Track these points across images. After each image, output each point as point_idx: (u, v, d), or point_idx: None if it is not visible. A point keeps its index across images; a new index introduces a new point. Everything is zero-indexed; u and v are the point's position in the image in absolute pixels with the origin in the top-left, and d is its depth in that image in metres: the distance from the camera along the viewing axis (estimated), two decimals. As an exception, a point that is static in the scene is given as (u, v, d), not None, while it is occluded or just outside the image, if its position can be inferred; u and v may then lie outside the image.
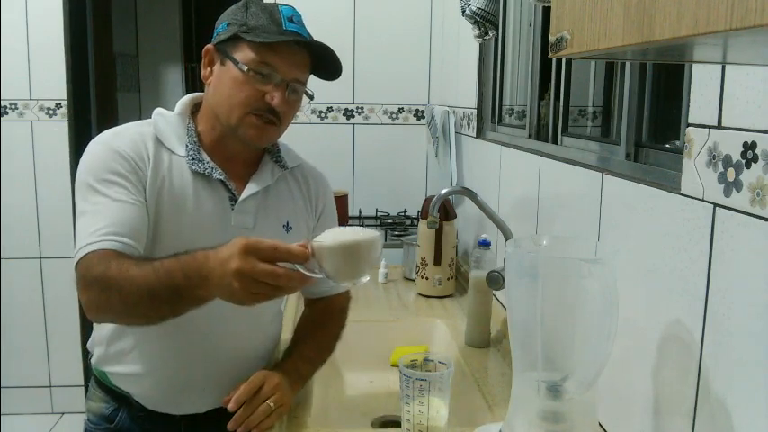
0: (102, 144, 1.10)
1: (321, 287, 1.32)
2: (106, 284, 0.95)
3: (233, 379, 1.24)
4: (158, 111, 1.18)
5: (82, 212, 1.06)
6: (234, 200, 1.15)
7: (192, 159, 1.12)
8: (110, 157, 1.07)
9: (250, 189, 1.17)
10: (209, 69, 1.15)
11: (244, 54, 1.09)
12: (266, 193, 1.19)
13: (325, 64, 1.15)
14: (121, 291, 0.94)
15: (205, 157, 1.14)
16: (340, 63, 1.15)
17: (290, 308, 1.72)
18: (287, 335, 1.52)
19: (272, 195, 1.21)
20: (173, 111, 1.19)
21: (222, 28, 1.13)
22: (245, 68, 1.08)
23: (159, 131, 1.13)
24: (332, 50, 1.12)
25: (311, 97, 1.17)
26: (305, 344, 1.27)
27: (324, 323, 1.33)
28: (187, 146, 1.14)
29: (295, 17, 1.12)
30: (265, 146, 1.21)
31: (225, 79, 1.11)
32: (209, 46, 1.14)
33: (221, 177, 1.14)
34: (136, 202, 1.07)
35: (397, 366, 1.51)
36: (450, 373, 1.02)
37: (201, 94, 1.20)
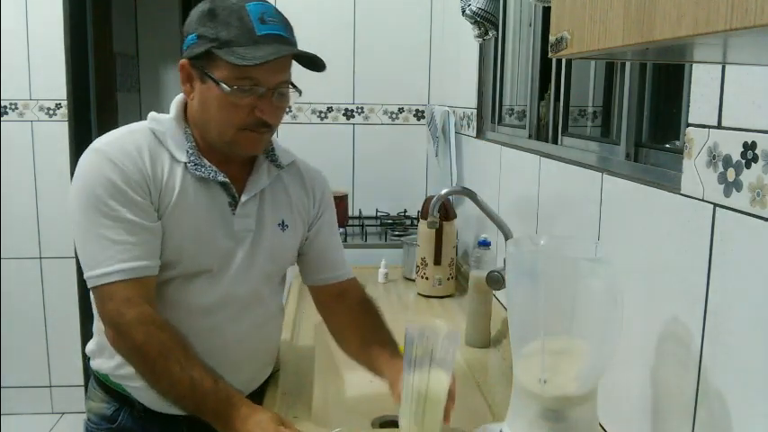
0: (99, 154, 1.08)
1: (321, 274, 1.30)
2: (143, 360, 1.06)
3: (235, 379, 1.24)
4: (153, 116, 1.15)
5: (90, 231, 1.06)
6: (233, 204, 1.15)
7: (195, 165, 1.11)
8: (111, 171, 1.06)
9: (249, 192, 1.16)
10: (188, 85, 1.11)
11: (222, 72, 1.04)
12: (263, 193, 1.19)
13: (307, 57, 1.10)
14: (158, 380, 1.06)
15: (206, 161, 1.12)
16: (322, 62, 1.09)
17: (290, 308, 1.72)
18: (287, 335, 1.52)
19: (269, 195, 1.20)
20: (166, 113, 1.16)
21: (192, 40, 1.07)
22: (228, 89, 1.04)
23: (159, 139, 1.11)
24: (312, 55, 1.08)
25: (300, 92, 1.14)
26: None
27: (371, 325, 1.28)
28: (188, 151, 1.12)
29: (266, 14, 1.05)
30: (261, 151, 1.18)
31: (209, 99, 1.08)
32: (183, 62, 1.09)
33: (225, 179, 1.13)
34: (148, 218, 1.07)
35: (397, 366, 1.50)
36: (457, 343, 1.00)
37: None
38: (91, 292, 1.10)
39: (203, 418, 1.04)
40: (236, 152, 1.13)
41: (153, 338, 1.05)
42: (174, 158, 1.11)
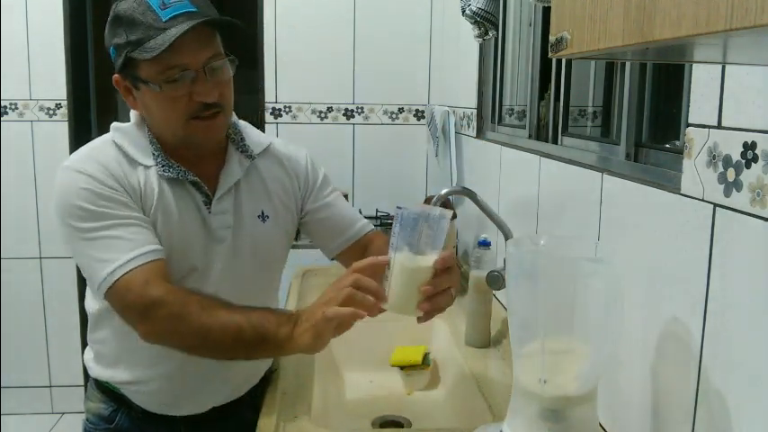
0: (69, 171, 1.08)
1: (339, 238, 1.29)
2: (187, 323, 1.02)
3: (231, 379, 1.23)
4: (115, 126, 1.15)
5: (86, 242, 1.05)
6: (207, 201, 1.14)
7: (163, 167, 1.10)
8: (85, 182, 1.06)
9: (222, 187, 1.15)
10: (130, 97, 1.11)
11: (147, 72, 1.04)
12: (238, 186, 1.17)
13: (227, 23, 1.08)
14: (206, 336, 1.02)
15: (173, 162, 1.12)
16: (234, 20, 1.07)
17: (290, 308, 1.72)
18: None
19: (244, 187, 1.18)
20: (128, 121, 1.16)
21: (113, 54, 1.08)
22: (158, 88, 1.04)
23: (123, 149, 1.11)
24: (225, 19, 1.06)
25: (236, 61, 1.12)
26: None
27: None
28: (153, 154, 1.11)
29: None
30: (222, 136, 1.17)
31: (148, 103, 1.08)
32: (115, 77, 1.10)
33: (195, 178, 1.12)
34: (136, 210, 1.08)
35: (397, 366, 1.51)
36: (446, 223, 0.97)
37: None
38: (106, 299, 1.06)
39: (270, 349, 1.06)
40: (197, 144, 1.12)
41: (189, 301, 1.03)
42: (143, 165, 1.11)
